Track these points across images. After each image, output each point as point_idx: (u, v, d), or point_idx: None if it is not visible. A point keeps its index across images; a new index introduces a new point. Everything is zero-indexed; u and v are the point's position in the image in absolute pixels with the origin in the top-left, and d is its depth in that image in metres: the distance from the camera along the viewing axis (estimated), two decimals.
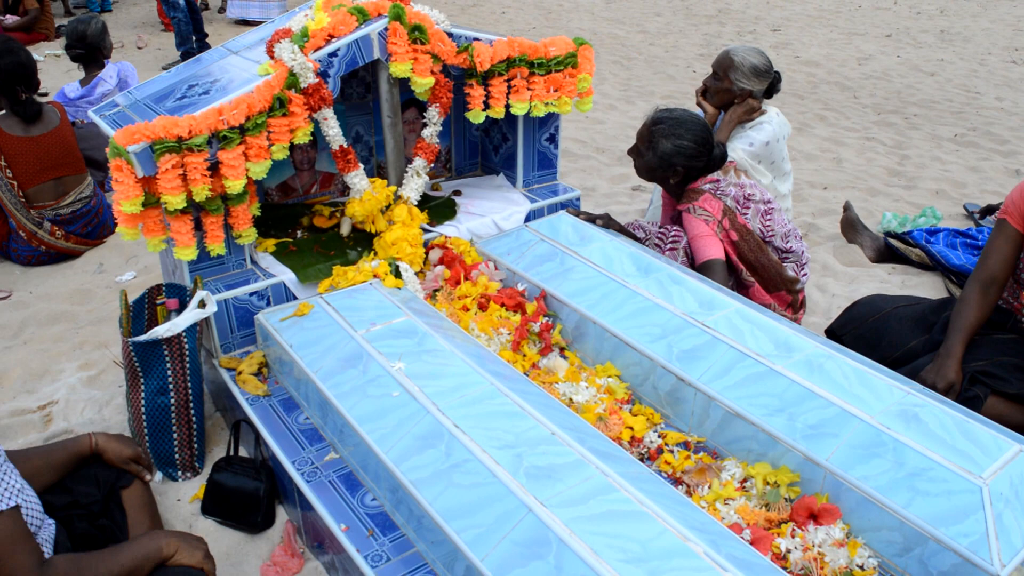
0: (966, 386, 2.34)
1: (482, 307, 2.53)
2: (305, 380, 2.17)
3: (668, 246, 2.77)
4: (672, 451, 2.08)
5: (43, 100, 3.83)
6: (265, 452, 2.20)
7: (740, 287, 2.72)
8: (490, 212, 2.93)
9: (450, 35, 2.61)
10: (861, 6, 10.75)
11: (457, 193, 3.07)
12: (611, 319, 2.33)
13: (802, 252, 2.83)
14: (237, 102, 2.27)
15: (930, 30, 9.31)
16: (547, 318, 2.49)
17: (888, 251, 3.73)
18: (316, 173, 2.95)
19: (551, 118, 3.05)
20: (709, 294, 2.36)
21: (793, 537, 1.81)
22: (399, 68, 2.51)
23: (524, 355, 2.39)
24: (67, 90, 4.37)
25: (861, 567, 1.76)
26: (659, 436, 2.13)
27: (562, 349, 2.46)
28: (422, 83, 2.56)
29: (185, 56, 7.25)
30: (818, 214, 4.23)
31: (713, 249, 2.60)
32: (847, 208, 3.77)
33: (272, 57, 2.41)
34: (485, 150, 3.28)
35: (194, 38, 7.37)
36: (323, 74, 2.42)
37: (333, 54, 2.44)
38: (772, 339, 2.18)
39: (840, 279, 3.56)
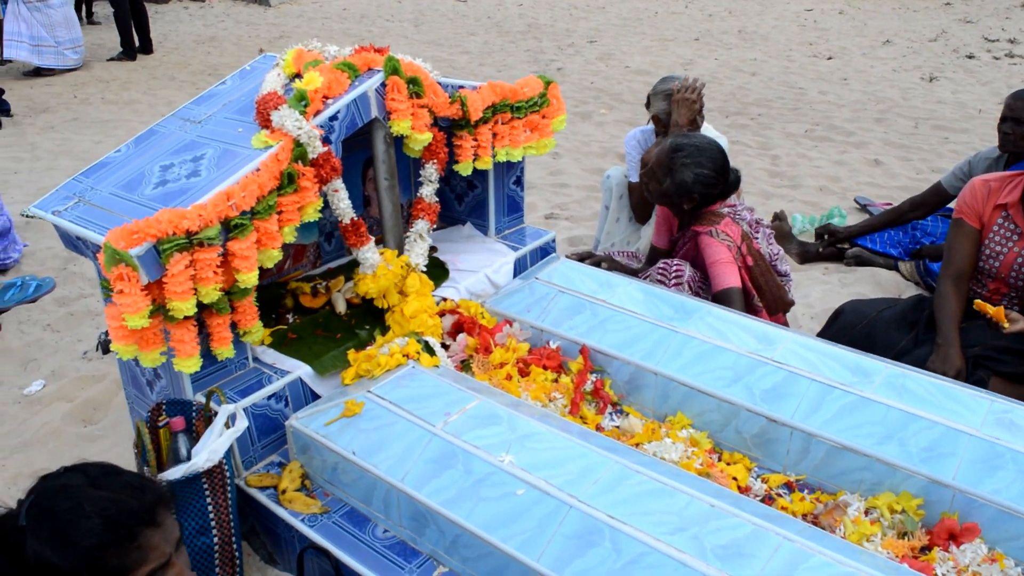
0: (970, 370, 2.54)
1: (521, 372, 2.37)
2: (384, 490, 1.91)
3: (672, 281, 2.72)
4: (781, 495, 2.03)
5: None
6: None
7: (750, 311, 2.71)
8: (479, 267, 2.75)
9: (440, 85, 2.42)
10: (657, 12, 11.35)
11: (433, 249, 2.86)
12: (674, 367, 2.25)
13: (788, 273, 2.89)
14: (245, 183, 1.98)
15: (729, 31, 9.97)
16: (595, 374, 2.36)
17: (812, 252, 3.92)
18: (288, 248, 2.64)
19: (518, 161, 2.92)
20: (761, 328, 2.34)
21: (943, 563, 1.82)
22: (400, 126, 2.29)
23: (583, 418, 2.26)
24: None
25: None
26: (762, 481, 2.08)
27: (614, 404, 2.35)
28: (420, 139, 2.36)
29: None
30: None
31: (732, 277, 2.57)
32: (780, 217, 3.92)
33: (268, 127, 2.12)
34: (445, 200, 3.09)
35: None
36: (325, 140, 2.17)
37: (334, 117, 2.19)
38: (844, 365, 2.18)
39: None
